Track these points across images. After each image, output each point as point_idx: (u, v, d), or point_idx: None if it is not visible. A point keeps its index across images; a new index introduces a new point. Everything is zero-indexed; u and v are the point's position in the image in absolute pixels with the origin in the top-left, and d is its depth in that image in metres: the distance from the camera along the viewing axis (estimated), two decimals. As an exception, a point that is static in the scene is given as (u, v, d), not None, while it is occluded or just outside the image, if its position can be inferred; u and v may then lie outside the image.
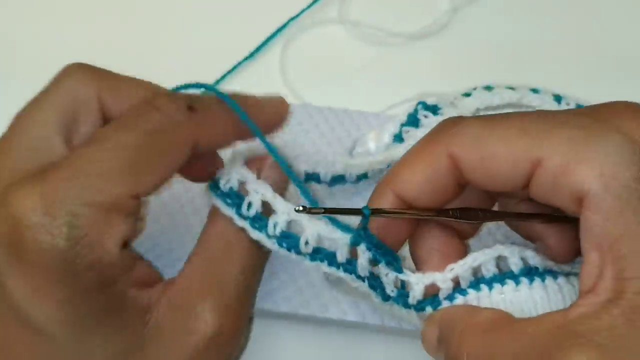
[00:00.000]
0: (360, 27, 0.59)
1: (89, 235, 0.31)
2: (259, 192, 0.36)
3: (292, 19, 0.59)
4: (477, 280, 0.36)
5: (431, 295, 0.36)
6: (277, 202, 0.36)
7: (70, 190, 0.31)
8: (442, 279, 0.35)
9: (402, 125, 0.47)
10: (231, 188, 0.37)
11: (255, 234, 0.36)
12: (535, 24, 0.59)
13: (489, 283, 0.35)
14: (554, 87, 0.52)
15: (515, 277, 0.35)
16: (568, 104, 0.49)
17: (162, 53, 0.58)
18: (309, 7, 0.59)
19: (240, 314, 0.36)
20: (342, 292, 0.42)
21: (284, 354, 0.46)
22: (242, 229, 0.36)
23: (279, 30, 0.58)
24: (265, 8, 0.60)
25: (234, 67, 0.56)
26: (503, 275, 0.36)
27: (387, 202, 0.34)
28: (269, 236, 0.36)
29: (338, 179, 0.44)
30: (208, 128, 0.35)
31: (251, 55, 0.57)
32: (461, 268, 0.36)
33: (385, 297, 0.37)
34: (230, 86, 0.56)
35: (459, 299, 0.35)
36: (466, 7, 0.60)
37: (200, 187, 0.46)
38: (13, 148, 0.34)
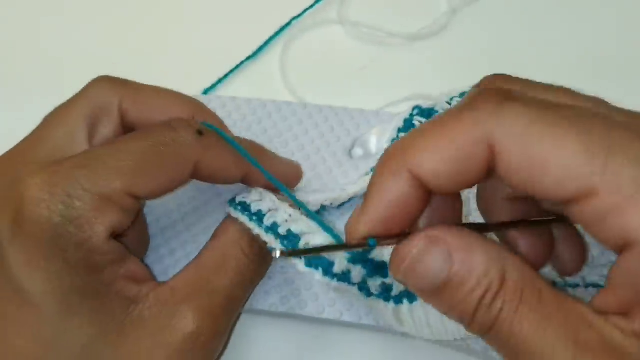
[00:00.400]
0: (360, 27, 0.58)
1: (82, 217, 0.34)
2: (287, 212, 0.38)
3: (294, 18, 0.58)
4: None
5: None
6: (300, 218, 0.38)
7: (73, 176, 0.34)
8: None
9: (400, 130, 0.46)
10: (260, 210, 0.39)
11: (267, 237, 0.38)
12: (534, 25, 0.59)
13: None
14: (553, 88, 0.52)
15: None
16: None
17: (162, 53, 0.57)
18: (311, 7, 0.58)
19: (222, 322, 0.37)
20: (337, 291, 0.42)
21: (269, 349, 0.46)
22: (241, 248, 0.39)
23: (282, 29, 0.57)
24: (265, 9, 0.59)
25: (236, 67, 0.56)
26: None
27: (400, 183, 0.29)
28: (277, 236, 0.37)
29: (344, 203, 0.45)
30: (212, 155, 0.38)
31: (253, 55, 0.56)
32: None
33: (369, 294, 0.38)
34: (231, 86, 0.55)
35: None
36: (465, 8, 0.59)
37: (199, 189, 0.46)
38: (39, 145, 0.38)
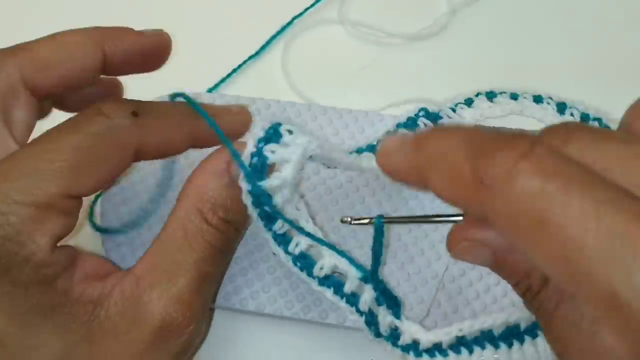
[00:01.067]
0: (360, 27, 0.56)
1: (21, 233, 0.30)
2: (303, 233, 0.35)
3: (296, 17, 0.56)
4: (459, 341, 0.36)
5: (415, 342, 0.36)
6: (308, 227, 0.35)
7: (2, 190, 0.30)
8: (425, 339, 0.36)
9: (399, 125, 0.45)
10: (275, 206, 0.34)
11: (276, 248, 0.35)
12: (534, 26, 0.57)
13: (469, 346, 0.35)
14: (554, 89, 0.50)
15: (494, 341, 0.35)
16: (572, 114, 0.47)
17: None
18: (312, 5, 0.56)
19: (193, 304, 0.33)
20: None
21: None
22: (203, 217, 0.34)
23: (283, 28, 0.56)
24: (266, 8, 0.57)
25: (238, 67, 0.54)
26: (483, 337, 0.36)
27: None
28: (287, 253, 0.35)
29: None
30: (153, 134, 0.34)
31: (256, 54, 0.54)
32: (446, 336, 0.36)
33: (378, 335, 0.37)
34: (234, 85, 0.54)
35: (439, 358, 0.35)
36: (465, 8, 0.57)
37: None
38: None
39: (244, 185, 0.33)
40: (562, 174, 0.21)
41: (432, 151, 0.25)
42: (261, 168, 0.33)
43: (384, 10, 0.58)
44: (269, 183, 0.32)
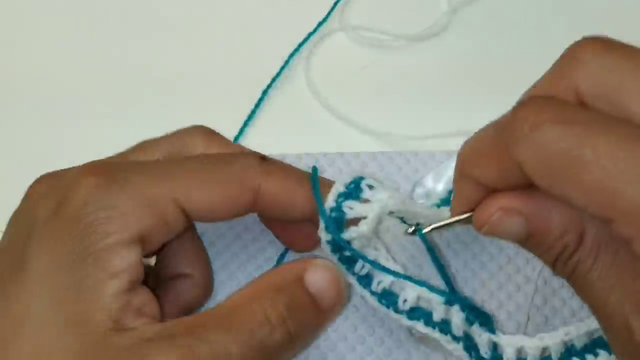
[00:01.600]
0: (360, 30, 0.56)
1: (117, 208, 0.32)
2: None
3: (311, 34, 0.55)
4: (568, 350, 0.35)
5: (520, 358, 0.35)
6: (389, 264, 0.37)
7: (126, 172, 0.33)
8: (531, 345, 0.35)
9: None
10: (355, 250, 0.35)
11: (361, 290, 0.37)
12: (535, 24, 0.57)
13: (581, 355, 0.34)
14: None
15: (606, 346, 0.34)
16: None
17: (188, 93, 0.54)
18: (324, 20, 0.55)
19: None
20: (429, 347, 0.41)
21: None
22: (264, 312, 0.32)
23: (299, 46, 0.55)
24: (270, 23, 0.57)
25: (263, 94, 0.53)
26: (593, 344, 0.34)
27: (468, 186, 0.31)
28: (371, 292, 0.36)
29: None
30: (275, 182, 0.35)
31: (277, 75, 0.54)
32: (552, 340, 0.35)
33: (480, 359, 0.36)
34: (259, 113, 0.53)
35: None
36: (465, 7, 0.57)
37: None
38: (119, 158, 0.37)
39: (324, 236, 0.34)
40: (581, 118, 0.25)
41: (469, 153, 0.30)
42: (339, 222, 0.34)
43: (383, 12, 0.57)
44: (346, 236, 0.34)
